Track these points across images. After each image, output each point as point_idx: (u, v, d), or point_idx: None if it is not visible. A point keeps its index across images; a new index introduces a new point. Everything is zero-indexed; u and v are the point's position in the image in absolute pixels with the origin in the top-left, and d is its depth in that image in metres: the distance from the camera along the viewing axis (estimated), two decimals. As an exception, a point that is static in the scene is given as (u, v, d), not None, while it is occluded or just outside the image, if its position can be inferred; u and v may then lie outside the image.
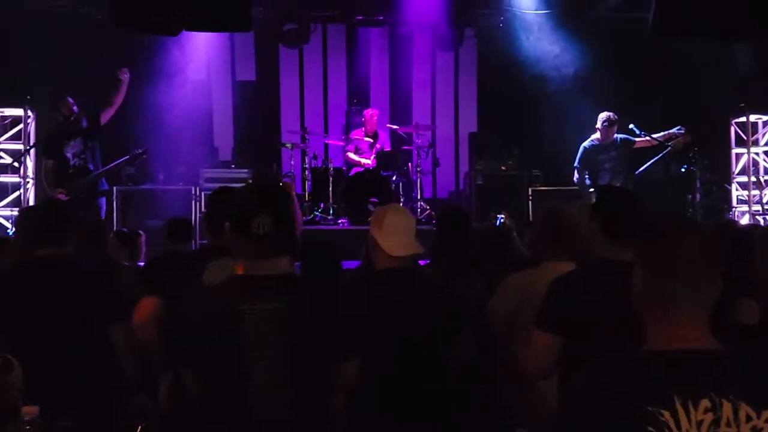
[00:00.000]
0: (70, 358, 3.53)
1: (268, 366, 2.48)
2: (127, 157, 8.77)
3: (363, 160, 10.62)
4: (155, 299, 3.62)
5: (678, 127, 8.93)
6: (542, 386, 3.45)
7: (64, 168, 8.49)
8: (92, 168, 8.59)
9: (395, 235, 3.45)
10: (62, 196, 8.33)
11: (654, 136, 8.90)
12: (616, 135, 8.91)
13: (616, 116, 8.83)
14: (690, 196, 10.61)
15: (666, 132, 8.94)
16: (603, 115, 8.84)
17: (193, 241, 7.08)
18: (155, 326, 3.59)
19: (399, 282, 3.44)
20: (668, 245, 1.91)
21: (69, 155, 8.50)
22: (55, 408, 2.75)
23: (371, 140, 10.62)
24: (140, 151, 8.77)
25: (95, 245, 5.09)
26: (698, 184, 10.53)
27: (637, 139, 8.92)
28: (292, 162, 10.63)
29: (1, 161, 9.63)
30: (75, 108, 8.49)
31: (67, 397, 3.39)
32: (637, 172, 9.19)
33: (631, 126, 8.91)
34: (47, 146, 8.72)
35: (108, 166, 8.75)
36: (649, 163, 9.21)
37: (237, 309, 2.48)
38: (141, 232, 6.39)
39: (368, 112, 10.82)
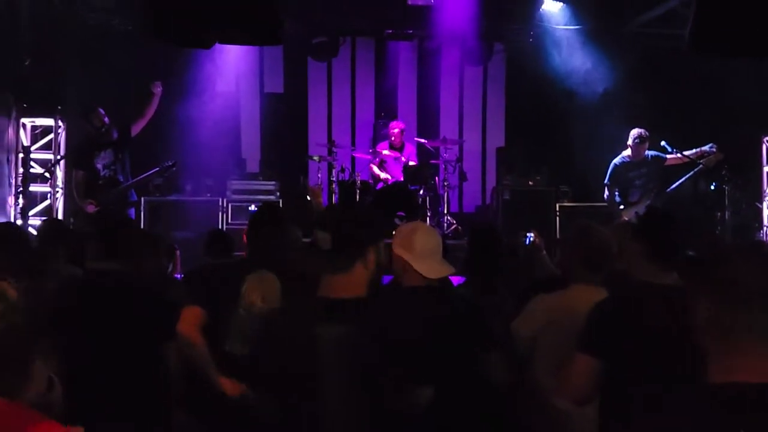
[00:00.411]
0: (118, 372, 3.54)
1: (340, 390, 2.48)
2: (157, 168, 8.79)
3: (383, 175, 10.63)
4: (200, 309, 3.65)
5: (710, 145, 8.84)
6: (573, 413, 3.39)
7: (95, 179, 8.53)
8: (122, 179, 8.63)
9: (429, 257, 3.42)
10: (92, 207, 8.37)
11: (686, 153, 8.81)
12: (647, 152, 8.83)
13: (647, 133, 8.76)
14: (719, 214, 10.48)
15: (698, 149, 8.85)
16: (634, 132, 8.77)
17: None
18: (199, 335, 3.61)
19: (429, 300, 3.42)
20: (735, 273, 1.84)
21: (99, 166, 8.55)
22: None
23: (397, 153, 10.61)
24: (170, 163, 8.79)
25: (154, 258, 5.11)
26: (728, 202, 10.40)
27: (668, 156, 8.84)
28: (319, 175, 10.63)
29: (32, 171, 9.68)
30: (106, 119, 8.54)
31: (108, 410, 3.40)
32: (668, 189, 9.09)
33: (663, 143, 8.83)
34: (78, 157, 8.78)
35: (138, 178, 8.79)
36: (680, 181, 9.10)
37: (310, 331, 2.49)
38: (176, 245, 6.41)
39: (393, 125, 10.82)
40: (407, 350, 2.64)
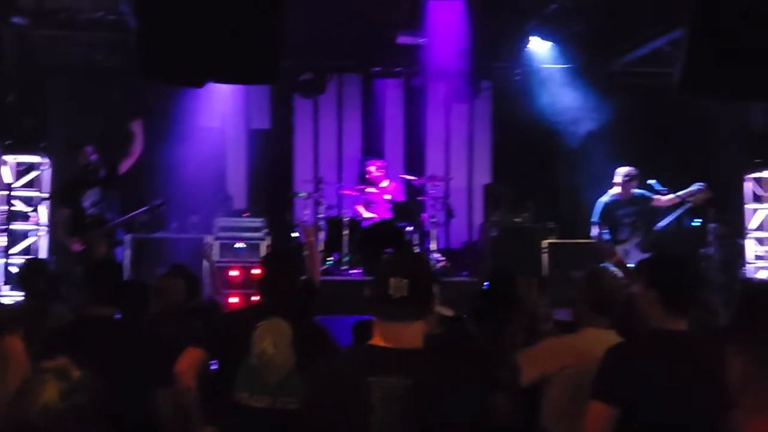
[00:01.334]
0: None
1: None
2: (146, 207, 8.72)
3: (366, 214, 10.65)
4: (201, 350, 3.61)
5: (698, 185, 8.89)
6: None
7: (81, 217, 8.43)
8: (109, 217, 8.53)
9: None
10: (77, 246, 8.25)
11: (678, 194, 8.86)
12: (634, 190, 8.88)
13: (636, 171, 8.81)
14: (703, 250, 10.54)
15: (687, 190, 8.89)
16: (623, 170, 8.82)
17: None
18: (195, 377, 3.56)
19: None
20: None
21: (86, 204, 8.46)
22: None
23: (377, 190, 10.66)
24: (159, 202, 8.72)
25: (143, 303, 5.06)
26: (712, 238, 10.47)
27: (654, 196, 8.88)
28: (306, 211, 10.57)
29: (14, 209, 9.54)
30: (93, 157, 8.47)
31: None
32: (656, 227, 9.13)
33: (651, 182, 8.88)
34: (63, 195, 8.68)
35: (126, 216, 8.70)
36: (668, 219, 9.14)
37: (365, 381, 2.45)
38: None
39: (369, 164, 10.99)
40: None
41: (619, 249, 8.74)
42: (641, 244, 8.84)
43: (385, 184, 10.89)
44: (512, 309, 4.29)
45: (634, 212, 8.92)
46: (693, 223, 10.56)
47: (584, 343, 3.53)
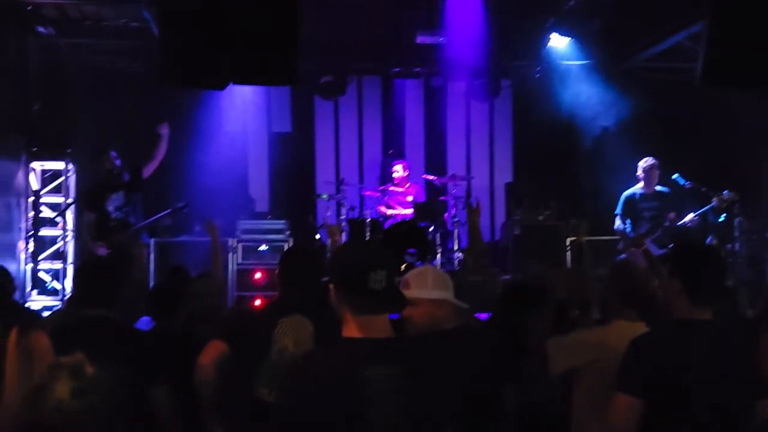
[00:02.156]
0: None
1: None
2: (169, 210, 8.78)
3: (390, 211, 10.67)
4: (224, 344, 3.63)
5: (726, 192, 8.82)
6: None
7: (106, 221, 8.51)
8: (133, 221, 8.61)
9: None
10: (103, 250, 8.33)
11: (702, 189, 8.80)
12: (657, 186, 8.85)
13: (655, 161, 8.79)
14: (730, 246, 10.45)
15: (718, 197, 8.84)
16: (643, 162, 8.80)
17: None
18: (215, 370, 3.60)
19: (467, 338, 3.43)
20: None
21: (111, 208, 8.54)
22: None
23: (401, 191, 10.67)
24: (182, 204, 8.78)
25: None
26: (738, 233, 10.37)
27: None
28: (328, 213, 10.62)
29: (42, 215, 9.66)
30: (117, 162, 8.56)
31: None
32: (679, 223, 9.07)
33: (675, 176, 8.83)
34: (89, 199, 8.76)
35: (150, 219, 8.77)
36: (693, 215, 9.07)
37: (360, 375, 2.42)
38: None
39: (394, 164, 10.96)
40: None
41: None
42: (659, 239, 8.80)
43: (407, 185, 10.91)
44: (540, 299, 4.26)
45: (655, 207, 8.88)
46: (719, 219, 10.47)
47: (614, 336, 3.51)
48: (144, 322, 5.01)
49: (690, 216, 8.93)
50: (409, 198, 10.79)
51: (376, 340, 2.50)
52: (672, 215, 8.83)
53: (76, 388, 1.89)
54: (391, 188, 10.77)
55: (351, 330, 2.52)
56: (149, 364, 3.68)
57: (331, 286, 2.58)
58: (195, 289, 4.94)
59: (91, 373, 1.90)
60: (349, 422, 2.41)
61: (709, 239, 9.80)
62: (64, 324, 3.87)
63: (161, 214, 8.84)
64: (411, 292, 3.37)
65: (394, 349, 2.50)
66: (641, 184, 8.84)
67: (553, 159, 11.41)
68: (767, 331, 1.93)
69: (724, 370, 2.98)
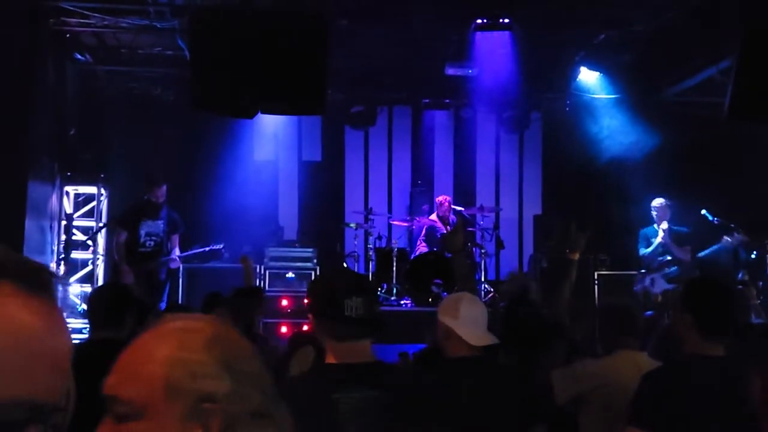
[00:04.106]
0: None
1: None
2: (206, 249, 9.00)
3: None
4: None
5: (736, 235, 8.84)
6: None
7: (135, 245, 8.65)
8: (163, 251, 8.78)
9: (473, 325, 3.41)
10: (130, 278, 8.43)
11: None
12: (668, 224, 8.93)
13: (665, 202, 8.95)
14: (761, 283, 10.31)
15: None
16: (655, 202, 8.91)
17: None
18: None
19: (475, 371, 3.38)
20: None
21: (142, 232, 8.68)
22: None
23: (444, 225, 10.65)
24: (219, 247, 8.98)
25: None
26: (769, 271, 10.25)
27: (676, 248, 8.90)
28: (356, 242, 10.67)
29: (74, 238, 9.83)
30: (162, 198, 8.74)
31: None
32: (699, 254, 9.05)
33: (703, 212, 8.78)
34: (124, 218, 8.91)
35: (186, 254, 8.97)
36: (708, 251, 9.03)
37: (330, 398, 2.46)
38: None
39: (442, 198, 10.84)
40: (452, 418, 2.61)
41: (647, 277, 8.85)
42: (667, 275, 8.81)
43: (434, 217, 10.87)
44: (552, 335, 4.25)
45: (663, 244, 8.96)
46: (750, 256, 10.36)
47: (618, 365, 3.60)
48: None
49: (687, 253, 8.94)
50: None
51: (351, 365, 2.54)
52: (683, 253, 8.88)
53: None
54: (430, 219, 10.73)
55: (330, 357, 2.59)
56: None
57: (310, 315, 2.63)
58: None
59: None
60: None
61: (740, 275, 9.71)
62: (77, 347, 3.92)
63: (197, 250, 9.02)
64: (442, 318, 3.39)
65: (368, 374, 2.53)
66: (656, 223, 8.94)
67: (583, 192, 11.37)
68: (753, 369, 1.92)
69: (732, 406, 2.95)
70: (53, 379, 0.89)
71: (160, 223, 8.78)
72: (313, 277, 9.77)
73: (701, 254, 9.02)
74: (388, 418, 2.46)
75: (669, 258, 8.96)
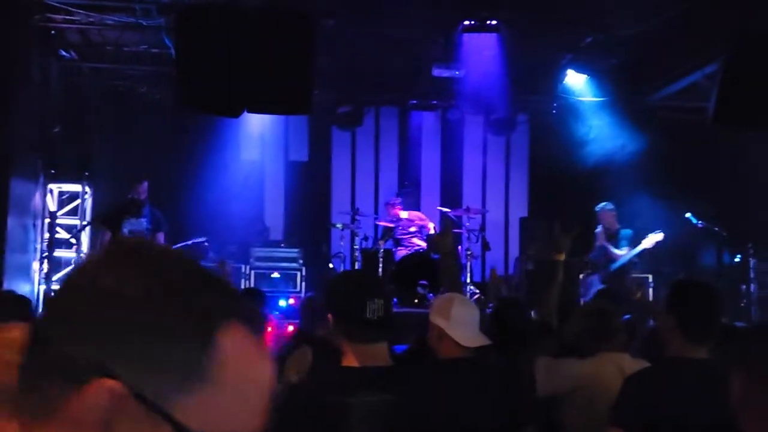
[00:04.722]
0: None
1: None
2: (188, 243, 8.96)
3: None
4: None
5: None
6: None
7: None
8: None
9: (464, 326, 3.39)
10: None
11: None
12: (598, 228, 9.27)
13: (603, 206, 9.31)
14: (744, 287, 10.37)
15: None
16: (599, 206, 9.35)
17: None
18: None
19: (468, 372, 3.38)
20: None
21: (125, 231, 8.64)
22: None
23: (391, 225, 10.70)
24: (201, 240, 8.95)
25: None
26: (752, 275, 10.30)
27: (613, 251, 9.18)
28: (342, 242, 10.63)
29: (57, 236, 9.75)
30: (144, 195, 8.70)
31: None
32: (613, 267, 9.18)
33: (687, 215, 8.81)
34: (107, 217, 8.87)
35: None
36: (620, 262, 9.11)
37: (344, 402, 2.44)
38: None
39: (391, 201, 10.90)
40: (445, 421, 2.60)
41: (587, 279, 9.28)
42: (602, 275, 9.13)
43: (404, 215, 10.83)
44: (541, 335, 4.26)
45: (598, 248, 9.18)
46: (733, 260, 10.42)
47: (598, 367, 3.59)
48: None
49: (623, 254, 9.00)
50: (412, 229, 10.77)
51: (368, 369, 2.53)
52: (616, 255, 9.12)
53: None
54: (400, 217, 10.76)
55: (348, 359, 2.57)
56: None
57: (330, 315, 2.60)
58: None
59: None
60: None
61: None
62: None
63: (180, 245, 8.98)
64: (433, 319, 3.38)
65: (385, 377, 2.52)
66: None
67: (568, 194, 11.39)
68: (736, 373, 1.91)
69: (714, 408, 2.95)
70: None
71: (143, 221, 8.75)
72: (330, 277, 9.74)
73: (616, 264, 9.10)
74: (402, 422, 2.45)
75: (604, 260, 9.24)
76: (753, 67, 6.40)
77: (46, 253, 9.54)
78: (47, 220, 9.67)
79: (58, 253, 9.78)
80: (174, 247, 8.89)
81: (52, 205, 9.80)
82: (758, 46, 6.39)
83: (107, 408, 0.76)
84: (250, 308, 0.88)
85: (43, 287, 9.45)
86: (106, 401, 0.76)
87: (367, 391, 2.45)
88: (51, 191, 9.81)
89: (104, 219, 8.94)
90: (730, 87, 6.56)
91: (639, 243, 9.05)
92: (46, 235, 9.63)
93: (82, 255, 9.89)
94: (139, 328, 0.79)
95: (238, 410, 0.84)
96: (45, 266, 9.55)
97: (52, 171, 9.71)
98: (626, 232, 9.25)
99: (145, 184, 8.73)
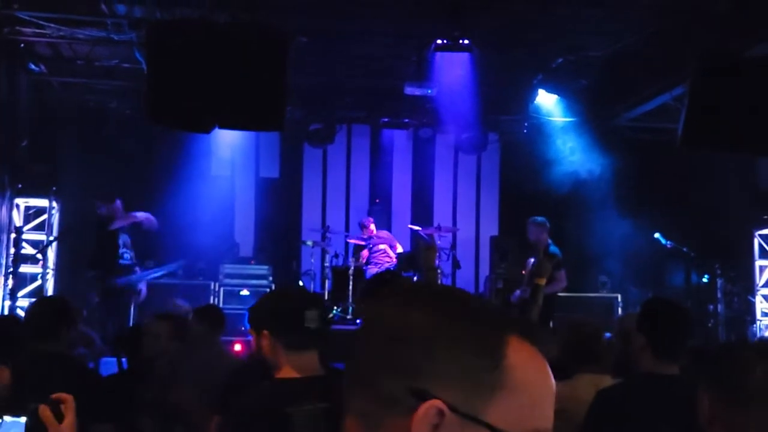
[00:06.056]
0: None
1: None
2: (171, 269, 8.98)
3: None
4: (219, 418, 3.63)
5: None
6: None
7: (113, 256, 8.53)
8: (132, 264, 8.67)
9: None
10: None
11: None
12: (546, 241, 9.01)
13: (532, 220, 9.06)
14: (712, 307, 10.47)
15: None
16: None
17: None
18: None
19: None
20: (740, 373, 1.83)
21: (120, 242, 8.56)
22: None
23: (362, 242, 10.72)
24: (176, 268, 8.95)
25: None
26: (720, 295, 10.40)
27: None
28: (312, 260, 10.60)
29: (23, 251, 9.61)
30: (100, 210, 8.62)
31: None
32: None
33: (656, 235, 8.89)
34: (108, 234, 8.75)
35: (149, 275, 8.89)
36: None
37: (284, 412, 2.46)
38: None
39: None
40: None
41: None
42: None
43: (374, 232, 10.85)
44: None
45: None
46: (702, 280, 10.52)
47: (579, 389, 3.57)
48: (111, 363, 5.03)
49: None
50: (382, 246, 10.78)
51: (303, 379, 2.59)
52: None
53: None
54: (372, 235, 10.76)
55: (284, 371, 2.62)
56: (93, 401, 3.64)
57: (265, 332, 2.64)
58: (151, 330, 4.91)
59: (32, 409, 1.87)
60: None
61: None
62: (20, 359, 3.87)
63: (161, 271, 8.96)
64: None
65: (319, 386, 2.54)
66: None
67: (539, 214, 11.43)
68: (703, 392, 1.93)
69: (682, 424, 2.97)
70: None
71: (126, 236, 8.69)
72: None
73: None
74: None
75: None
76: (720, 90, 6.48)
77: (12, 269, 9.40)
78: (13, 235, 9.52)
79: (24, 269, 9.63)
80: (150, 276, 8.86)
81: (18, 219, 9.66)
82: (725, 69, 6.48)
83: (436, 424, 0.90)
84: (527, 322, 1.03)
85: (8, 303, 9.30)
86: (435, 418, 0.90)
87: (307, 400, 2.48)
88: (17, 206, 9.67)
89: (107, 235, 8.78)
90: (697, 110, 6.63)
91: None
92: (12, 251, 9.48)
93: (48, 270, 9.77)
94: (441, 354, 0.93)
95: (531, 412, 0.99)
96: (10, 282, 9.40)
97: (19, 185, 9.57)
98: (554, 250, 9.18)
99: (97, 202, 8.60)
